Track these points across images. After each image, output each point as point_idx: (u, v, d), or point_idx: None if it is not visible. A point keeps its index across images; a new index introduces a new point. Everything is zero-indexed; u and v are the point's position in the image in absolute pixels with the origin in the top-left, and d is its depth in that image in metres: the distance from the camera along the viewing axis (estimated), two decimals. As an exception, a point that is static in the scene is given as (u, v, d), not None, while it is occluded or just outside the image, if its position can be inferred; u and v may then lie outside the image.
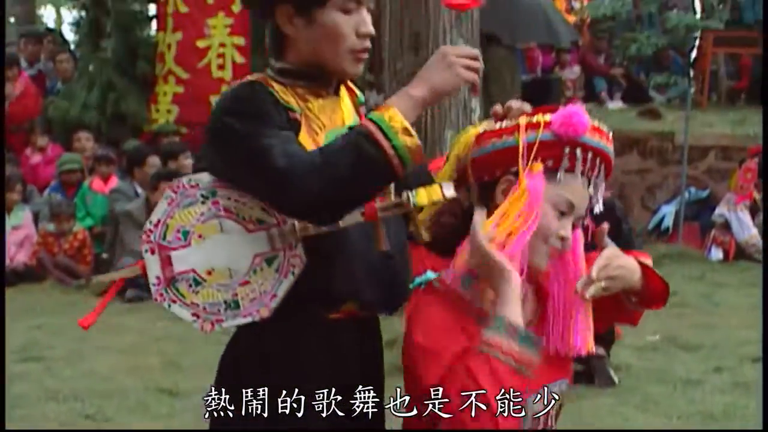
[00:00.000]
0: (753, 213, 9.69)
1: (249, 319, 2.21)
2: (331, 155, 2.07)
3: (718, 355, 6.11)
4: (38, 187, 9.91)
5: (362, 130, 2.08)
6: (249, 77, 2.32)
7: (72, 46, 12.88)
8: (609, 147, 2.15)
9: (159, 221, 2.21)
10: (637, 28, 13.87)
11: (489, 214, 2.13)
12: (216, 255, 2.21)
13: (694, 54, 13.57)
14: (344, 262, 2.23)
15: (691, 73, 13.37)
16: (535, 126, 2.11)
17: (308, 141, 2.23)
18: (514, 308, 2.01)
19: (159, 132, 10.39)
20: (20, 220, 8.99)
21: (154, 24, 11.07)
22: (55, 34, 14.24)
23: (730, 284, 8.32)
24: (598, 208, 2.19)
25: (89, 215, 9.37)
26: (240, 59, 10.50)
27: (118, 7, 10.93)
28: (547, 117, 2.10)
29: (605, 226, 2.29)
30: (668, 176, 11.17)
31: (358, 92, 2.49)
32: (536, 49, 13.20)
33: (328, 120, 2.31)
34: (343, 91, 2.42)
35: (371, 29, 2.30)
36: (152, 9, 11.17)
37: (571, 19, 13.66)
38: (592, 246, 2.27)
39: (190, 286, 2.22)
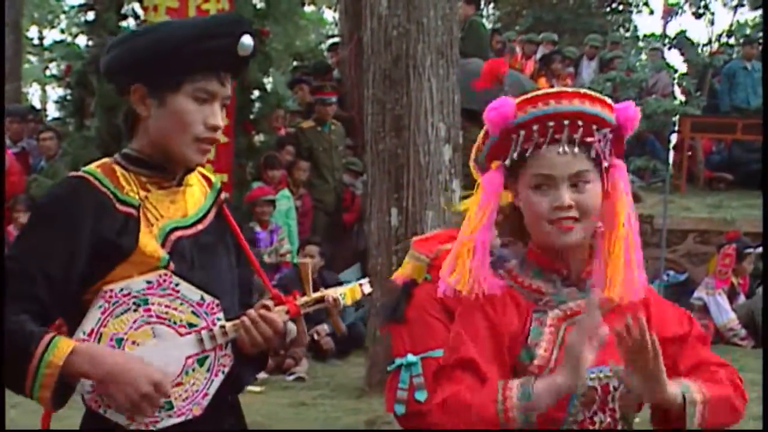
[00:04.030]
0: (731, 297, 9.75)
1: (182, 418, 2.28)
2: (12, 325, 2.16)
3: (698, 439, 6.09)
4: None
5: (35, 344, 2.14)
6: (91, 167, 2.37)
7: (56, 124, 12.92)
8: (562, 105, 2.22)
9: (93, 330, 2.25)
10: (616, 112, 14.07)
11: None
12: (150, 359, 2.25)
13: (673, 139, 13.75)
14: None
15: (671, 158, 13.53)
16: (484, 138, 2.33)
17: (146, 233, 2.30)
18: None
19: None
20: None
21: (138, 104, 11.13)
22: (40, 112, 14.29)
23: (710, 368, 8.32)
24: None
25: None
26: (223, 139, 10.54)
27: (102, 87, 10.97)
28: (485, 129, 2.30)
29: None
30: (647, 259, 11.14)
31: (213, 178, 2.54)
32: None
33: (166, 211, 2.36)
34: (193, 179, 2.46)
35: (219, 122, 2.35)
36: (137, 89, 11.25)
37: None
38: None
39: None
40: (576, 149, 2.21)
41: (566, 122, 2.20)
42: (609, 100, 2.27)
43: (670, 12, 20.76)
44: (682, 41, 16.99)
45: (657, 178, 13.15)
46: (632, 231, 2.24)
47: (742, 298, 9.91)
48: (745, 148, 13.59)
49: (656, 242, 10.80)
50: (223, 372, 2.32)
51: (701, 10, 22.65)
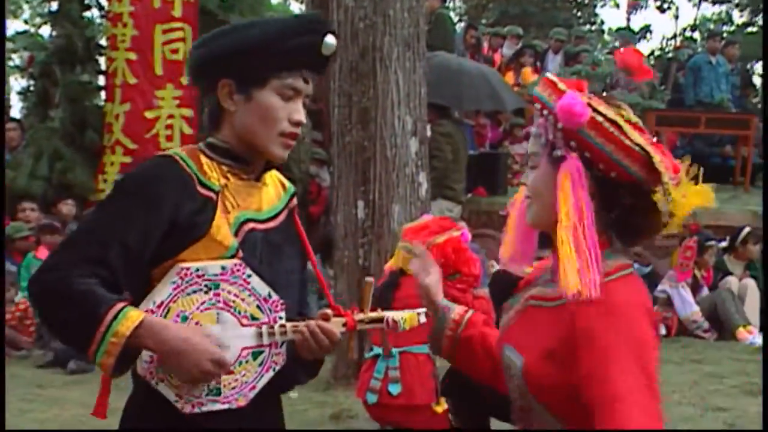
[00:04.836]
0: (694, 290, 9.82)
1: (227, 406, 2.32)
2: (81, 285, 2.20)
3: (660, 430, 6.13)
4: (-20, 255, 9.76)
5: (104, 310, 2.18)
6: (177, 150, 2.44)
7: (20, 115, 12.82)
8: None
9: (162, 303, 2.29)
10: (581, 106, 14.08)
11: None
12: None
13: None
14: None
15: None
16: None
17: (222, 218, 2.36)
18: None
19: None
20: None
21: (102, 94, 11.07)
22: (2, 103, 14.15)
23: (673, 360, 8.37)
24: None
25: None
26: (188, 130, 10.51)
27: (66, 78, 10.92)
28: None
29: None
30: (612, 252, 11.28)
31: (288, 184, 2.62)
32: (486, 125, 13.37)
33: (242, 201, 2.43)
34: (270, 178, 2.55)
35: (303, 118, 2.42)
36: (101, 80, 11.17)
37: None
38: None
39: None
40: (533, 131, 2.29)
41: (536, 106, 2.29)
42: (562, 87, 2.23)
43: (634, 6, 20.88)
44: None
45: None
46: (582, 224, 2.15)
47: (705, 291, 9.98)
48: (707, 142, 13.70)
49: (621, 235, 10.85)
50: (274, 369, 2.37)
51: (666, 5, 22.79)
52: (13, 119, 12.28)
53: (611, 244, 2.27)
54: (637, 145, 2.17)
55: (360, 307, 2.47)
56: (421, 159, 7.32)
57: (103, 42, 11.06)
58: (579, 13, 25.87)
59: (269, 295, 2.36)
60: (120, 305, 2.20)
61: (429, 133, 8.60)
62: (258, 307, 2.35)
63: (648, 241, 2.38)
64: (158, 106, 10.53)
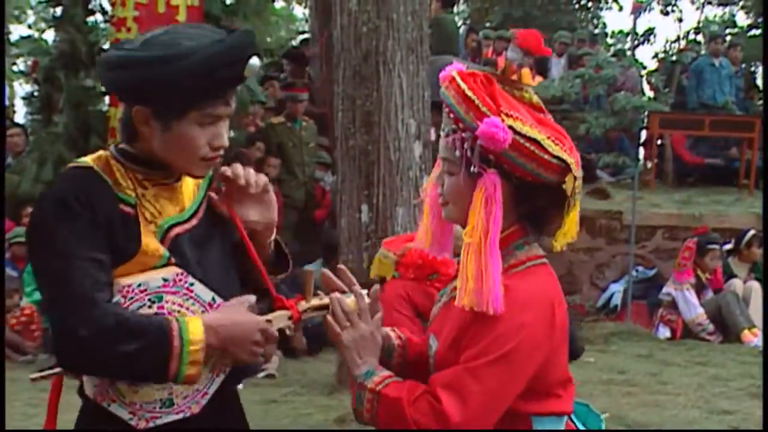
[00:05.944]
0: (699, 292, 9.80)
1: (181, 416, 2.29)
2: (123, 314, 2.17)
3: (665, 434, 6.13)
4: (-15, 261, 9.77)
5: (167, 326, 2.17)
6: (89, 160, 2.33)
7: (24, 121, 12.84)
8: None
9: None
10: (585, 109, 14.10)
11: None
12: None
13: (642, 135, 13.78)
14: None
15: (640, 154, 13.56)
16: None
17: (147, 232, 2.29)
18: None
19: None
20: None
21: (106, 99, 11.07)
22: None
23: (678, 363, 8.37)
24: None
25: (38, 289, 9.22)
26: (192, 135, 10.51)
27: (70, 83, 10.92)
28: None
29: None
30: (616, 255, 11.29)
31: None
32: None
33: (163, 208, 2.35)
34: None
35: (225, 143, 2.34)
36: (105, 85, 11.17)
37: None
38: None
39: (130, 385, 2.26)
40: (445, 136, 2.30)
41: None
42: (482, 108, 2.21)
43: (638, 9, 20.85)
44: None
45: (626, 174, 13.20)
46: (487, 242, 2.18)
47: (710, 294, 9.96)
48: (711, 145, 13.67)
49: (625, 238, 10.86)
50: (224, 372, 2.35)
51: (669, 8, 22.76)
52: (17, 124, 12.28)
53: (527, 234, 2.35)
54: (556, 158, 2.24)
55: (303, 297, 2.43)
56: (425, 162, 7.32)
57: (107, 47, 11.05)
58: (582, 16, 25.84)
59: (213, 300, 2.33)
60: (172, 317, 2.21)
61: (433, 137, 8.59)
62: (203, 313, 2.31)
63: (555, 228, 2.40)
64: (161, 111, 10.52)
